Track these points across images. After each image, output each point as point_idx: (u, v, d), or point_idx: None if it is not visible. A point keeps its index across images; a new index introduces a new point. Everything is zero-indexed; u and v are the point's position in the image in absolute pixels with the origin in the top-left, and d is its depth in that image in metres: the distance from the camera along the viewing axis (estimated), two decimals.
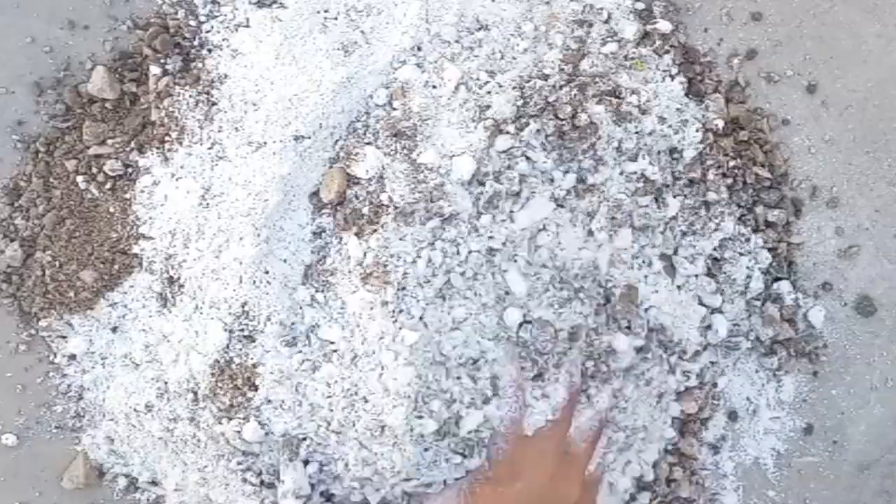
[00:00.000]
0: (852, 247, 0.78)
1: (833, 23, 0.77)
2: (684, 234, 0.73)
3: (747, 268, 0.76)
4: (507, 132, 0.68)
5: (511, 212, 0.68)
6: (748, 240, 0.76)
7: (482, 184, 0.67)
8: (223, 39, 0.74)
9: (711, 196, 0.74)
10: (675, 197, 0.73)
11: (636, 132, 0.70)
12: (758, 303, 0.76)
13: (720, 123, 0.74)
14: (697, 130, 0.73)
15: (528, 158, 0.68)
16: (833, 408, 0.78)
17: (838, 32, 0.77)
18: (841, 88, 0.77)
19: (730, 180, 0.75)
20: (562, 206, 0.69)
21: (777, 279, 0.77)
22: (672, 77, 0.74)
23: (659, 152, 0.72)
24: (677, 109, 0.73)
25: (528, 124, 0.68)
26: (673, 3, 0.76)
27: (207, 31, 0.74)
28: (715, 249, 0.74)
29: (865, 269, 0.78)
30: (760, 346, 0.77)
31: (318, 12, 0.72)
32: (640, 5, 0.75)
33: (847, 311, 0.78)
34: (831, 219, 0.78)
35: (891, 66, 0.77)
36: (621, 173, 0.70)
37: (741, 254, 0.75)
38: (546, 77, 0.70)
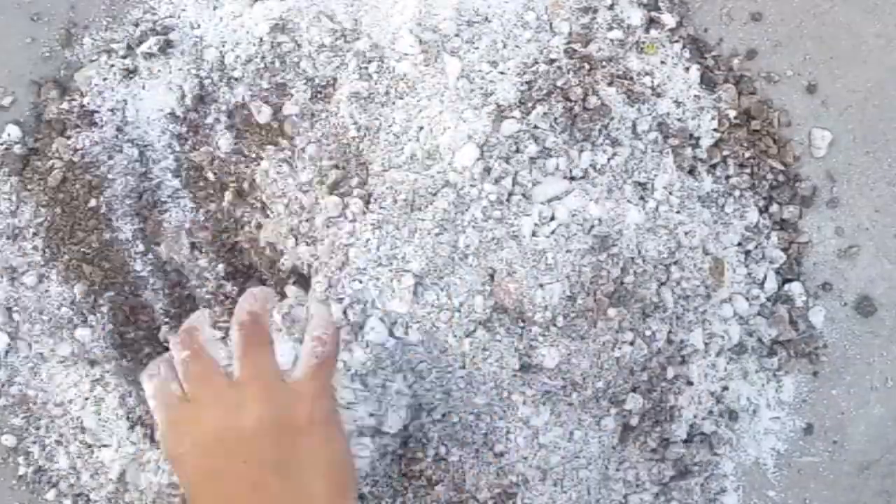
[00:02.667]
0: (852, 247, 0.78)
1: (833, 23, 0.77)
2: (714, 221, 0.74)
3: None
4: (513, 117, 0.68)
5: (523, 195, 0.68)
6: (769, 236, 0.76)
7: (488, 170, 0.67)
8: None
9: (734, 181, 0.74)
10: (707, 174, 0.73)
11: (650, 114, 0.71)
12: (769, 304, 0.77)
13: (732, 113, 0.75)
14: (713, 118, 0.74)
15: (536, 140, 0.68)
16: (833, 408, 0.78)
17: (838, 32, 0.77)
18: (841, 88, 0.77)
19: (748, 170, 0.76)
20: (582, 181, 0.69)
21: (787, 280, 0.78)
22: (687, 68, 0.75)
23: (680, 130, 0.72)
24: (695, 96, 0.74)
25: (534, 108, 0.68)
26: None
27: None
28: (739, 244, 0.75)
29: (865, 269, 0.78)
30: (762, 346, 0.77)
31: None
32: None
33: (847, 311, 0.78)
34: (831, 219, 0.78)
35: (891, 66, 0.77)
36: (644, 151, 0.70)
37: (763, 248, 0.76)
38: (552, 62, 0.70)
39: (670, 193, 0.71)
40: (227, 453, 0.55)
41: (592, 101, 0.68)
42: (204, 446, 0.55)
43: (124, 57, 0.73)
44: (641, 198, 0.70)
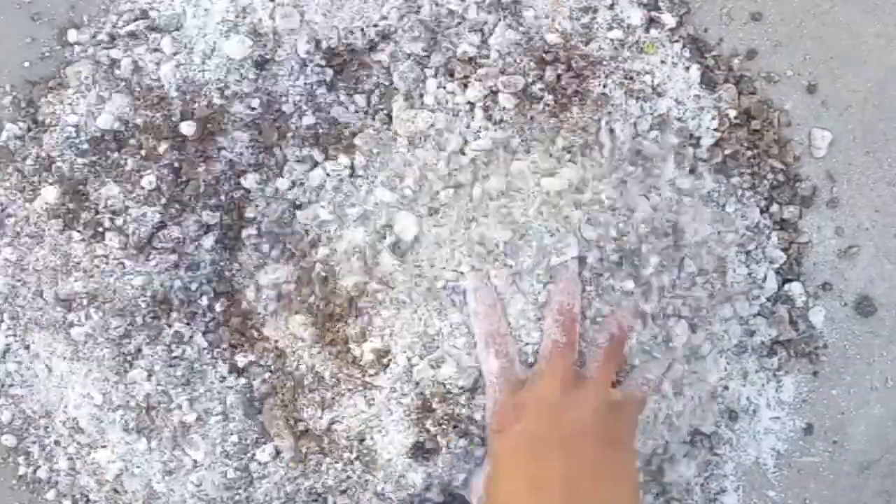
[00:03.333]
0: (852, 247, 0.78)
1: (833, 23, 0.77)
2: (715, 221, 0.74)
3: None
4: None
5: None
6: (769, 236, 0.76)
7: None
8: None
9: (735, 181, 0.74)
10: (708, 173, 0.73)
11: (651, 113, 0.71)
12: (769, 304, 0.77)
13: (732, 113, 0.75)
14: (713, 118, 0.74)
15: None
16: (833, 408, 0.78)
17: (838, 32, 0.77)
18: (841, 88, 0.77)
19: (749, 170, 0.76)
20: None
21: (787, 280, 0.78)
22: (687, 68, 0.75)
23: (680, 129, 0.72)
24: (695, 96, 0.74)
25: (534, 83, 0.69)
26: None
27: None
28: (740, 244, 0.75)
29: (865, 269, 0.78)
30: (762, 346, 0.77)
31: None
32: None
33: (847, 311, 0.78)
34: (831, 219, 0.78)
35: (891, 66, 0.77)
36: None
37: (763, 248, 0.76)
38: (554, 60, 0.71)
39: (671, 193, 0.71)
40: (556, 447, 0.60)
41: (594, 87, 0.69)
42: (536, 434, 0.60)
43: (107, 48, 0.72)
44: (644, 196, 0.71)
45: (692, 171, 0.73)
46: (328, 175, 0.69)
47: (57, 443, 0.75)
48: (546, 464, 0.60)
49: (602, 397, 0.63)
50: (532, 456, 0.60)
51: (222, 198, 0.71)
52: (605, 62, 0.71)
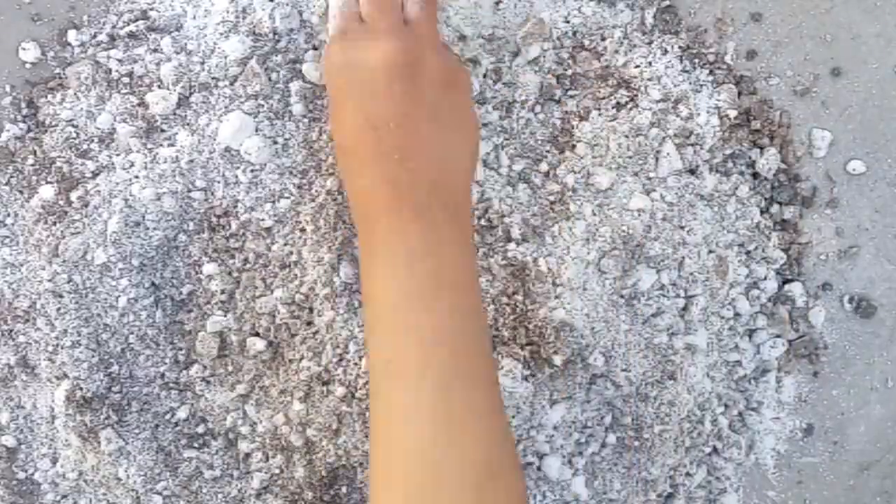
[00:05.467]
0: (852, 247, 0.78)
1: (833, 23, 0.77)
2: (716, 221, 0.74)
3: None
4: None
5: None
6: (769, 236, 0.76)
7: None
8: None
9: (735, 180, 0.74)
10: (709, 173, 0.73)
11: (650, 109, 0.71)
12: (769, 304, 0.77)
13: (732, 113, 0.75)
14: (714, 118, 0.74)
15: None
16: (833, 408, 0.78)
17: (838, 32, 0.77)
18: (841, 88, 0.77)
19: (749, 170, 0.76)
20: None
21: (787, 280, 0.77)
22: (686, 68, 0.75)
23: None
24: (695, 97, 0.74)
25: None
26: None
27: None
28: (741, 244, 0.75)
29: (865, 270, 0.78)
30: (761, 346, 0.77)
31: None
32: None
33: (847, 311, 0.78)
34: (831, 219, 0.78)
35: (891, 66, 0.77)
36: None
37: (763, 248, 0.76)
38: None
39: (672, 192, 0.71)
40: (395, 71, 0.58)
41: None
42: (374, 62, 0.59)
43: (107, 48, 0.72)
44: (647, 192, 0.71)
45: (692, 171, 0.73)
46: None
47: (56, 444, 0.75)
48: (383, 101, 0.58)
49: (437, 39, 0.62)
50: (368, 93, 0.59)
51: None
52: (604, 62, 0.71)
